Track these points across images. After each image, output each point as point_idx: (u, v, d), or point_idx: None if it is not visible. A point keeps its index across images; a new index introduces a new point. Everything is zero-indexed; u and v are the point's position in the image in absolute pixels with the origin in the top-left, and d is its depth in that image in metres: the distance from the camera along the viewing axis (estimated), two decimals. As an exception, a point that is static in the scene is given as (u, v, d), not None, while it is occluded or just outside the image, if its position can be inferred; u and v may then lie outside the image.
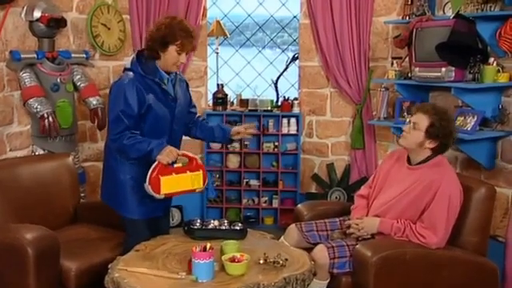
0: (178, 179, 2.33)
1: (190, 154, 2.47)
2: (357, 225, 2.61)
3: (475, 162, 3.34)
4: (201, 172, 2.41)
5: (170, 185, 2.32)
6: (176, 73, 2.62)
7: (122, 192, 2.56)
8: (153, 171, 2.33)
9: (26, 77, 3.18)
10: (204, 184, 2.41)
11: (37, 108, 3.16)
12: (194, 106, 2.85)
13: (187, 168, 2.39)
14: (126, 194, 2.55)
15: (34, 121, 3.29)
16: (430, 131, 2.47)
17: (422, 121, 2.49)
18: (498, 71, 3.17)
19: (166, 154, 2.37)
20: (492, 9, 3.15)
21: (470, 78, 3.27)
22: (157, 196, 2.35)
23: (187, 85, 2.77)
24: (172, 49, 2.47)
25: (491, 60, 3.20)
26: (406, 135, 2.55)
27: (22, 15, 3.26)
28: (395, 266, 2.40)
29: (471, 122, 3.20)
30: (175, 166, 2.37)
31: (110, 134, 2.48)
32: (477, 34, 3.22)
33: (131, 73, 2.48)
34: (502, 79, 3.16)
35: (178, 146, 2.61)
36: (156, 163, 2.36)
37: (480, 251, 2.57)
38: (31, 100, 3.15)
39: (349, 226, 2.65)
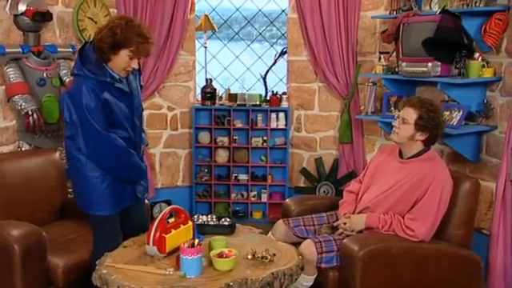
0: (177, 234, 2.30)
1: (178, 207, 2.44)
2: (344, 224, 2.64)
3: (461, 156, 3.38)
4: (190, 224, 2.41)
5: (172, 241, 2.27)
6: None
7: (92, 190, 2.46)
8: (155, 232, 2.25)
9: (11, 72, 3.13)
10: (193, 234, 2.38)
11: (21, 105, 3.12)
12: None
13: (180, 222, 2.38)
14: (97, 191, 2.45)
15: (20, 116, 3.25)
16: (418, 123, 2.52)
17: (410, 114, 2.53)
18: (483, 66, 3.20)
19: None
20: (477, 4, 3.18)
21: (455, 72, 3.30)
22: (160, 255, 2.27)
23: (139, 73, 2.63)
24: (123, 53, 2.35)
25: (476, 55, 3.23)
26: (396, 130, 2.59)
27: (7, 9, 3.20)
28: (382, 259, 2.43)
29: (457, 116, 3.24)
30: (170, 221, 2.34)
31: (89, 149, 2.38)
32: (462, 29, 3.25)
33: (80, 78, 2.35)
34: (487, 74, 3.20)
35: (140, 140, 2.61)
36: (155, 223, 2.27)
37: (465, 244, 2.61)
38: (16, 97, 3.11)
39: (337, 227, 2.67)
